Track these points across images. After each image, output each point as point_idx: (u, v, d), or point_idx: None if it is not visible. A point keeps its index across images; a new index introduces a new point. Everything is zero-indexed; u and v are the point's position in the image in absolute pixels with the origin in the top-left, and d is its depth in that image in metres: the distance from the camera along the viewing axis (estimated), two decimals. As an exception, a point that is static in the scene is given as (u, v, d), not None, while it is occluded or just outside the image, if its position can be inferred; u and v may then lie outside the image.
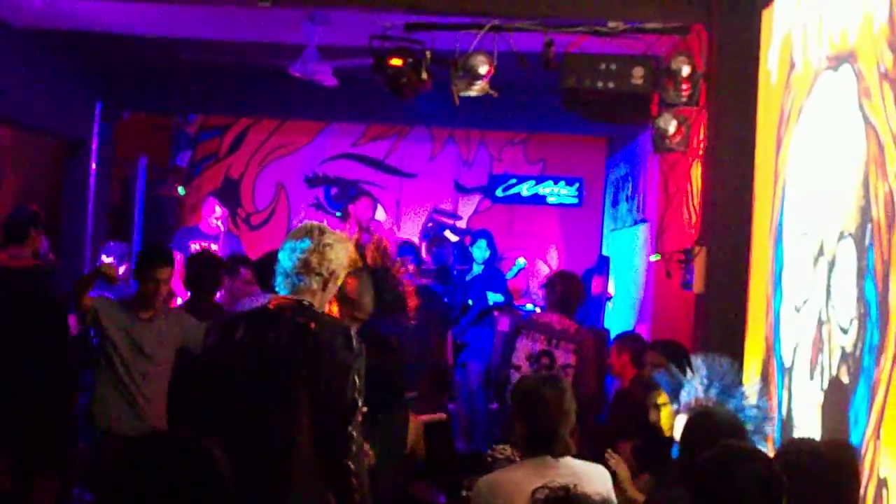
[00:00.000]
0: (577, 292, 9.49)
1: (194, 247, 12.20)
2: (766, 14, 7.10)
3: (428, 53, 7.82)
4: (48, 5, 9.59)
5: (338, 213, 13.43)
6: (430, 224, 15.51)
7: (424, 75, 7.84)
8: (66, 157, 13.27)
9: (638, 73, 7.49)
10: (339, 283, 5.41)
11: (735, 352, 6.75)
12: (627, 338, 9.43)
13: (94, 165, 13.22)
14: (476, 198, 15.86)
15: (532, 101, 12.29)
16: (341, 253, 5.33)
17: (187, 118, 15.23)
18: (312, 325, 5.08)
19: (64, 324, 8.59)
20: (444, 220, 15.56)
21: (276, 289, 5.32)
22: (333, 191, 15.74)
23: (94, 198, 13.24)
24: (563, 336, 9.10)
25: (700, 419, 5.32)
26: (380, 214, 14.32)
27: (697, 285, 7.41)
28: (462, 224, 15.49)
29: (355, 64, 9.56)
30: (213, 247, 12.24)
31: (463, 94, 7.78)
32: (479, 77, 7.67)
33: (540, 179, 15.49)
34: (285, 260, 5.25)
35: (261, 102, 13.59)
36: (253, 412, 5.07)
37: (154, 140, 15.06)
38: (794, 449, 4.94)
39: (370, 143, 15.75)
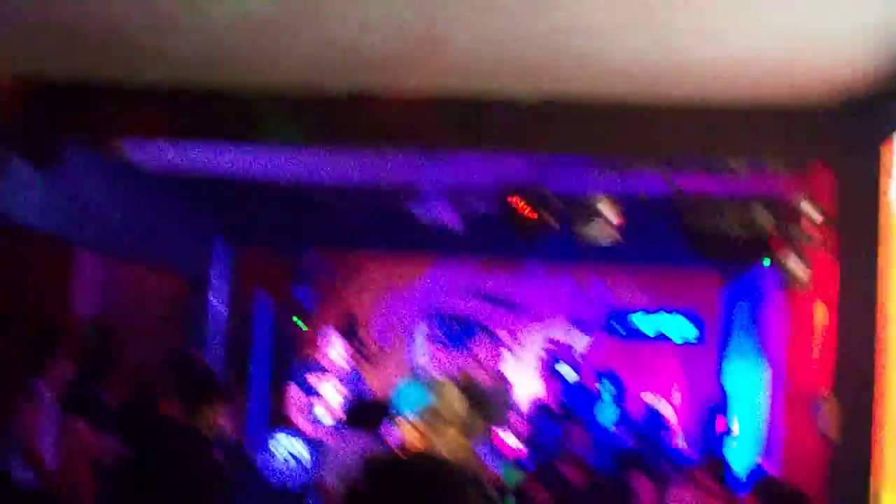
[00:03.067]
0: None
1: (313, 380, 12.30)
2: (884, 150, 7.08)
3: (553, 197, 7.88)
4: (179, 154, 9.84)
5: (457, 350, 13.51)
6: (546, 358, 15.48)
7: (550, 219, 7.90)
8: (190, 293, 13.50)
9: (759, 213, 7.50)
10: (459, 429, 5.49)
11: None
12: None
13: (214, 302, 13.43)
14: (593, 333, 15.82)
15: (649, 235, 12.30)
16: (460, 399, 5.46)
17: (306, 253, 15.43)
18: (442, 472, 5.10)
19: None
20: (561, 355, 15.52)
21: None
22: (451, 325, 15.80)
23: (213, 333, 13.43)
24: None
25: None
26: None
27: (832, 432, 7.32)
28: (579, 360, 15.43)
29: (478, 205, 9.65)
30: (334, 380, 12.33)
31: (589, 238, 7.82)
32: (606, 223, 7.71)
33: (657, 313, 15.44)
34: (409, 409, 5.35)
35: (379, 237, 13.75)
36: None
37: (274, 276, 15.27)
38: None
39: (487, 277, 15.82)
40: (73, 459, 9.81)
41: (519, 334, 15.63)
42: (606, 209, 7.70)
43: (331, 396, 11.82)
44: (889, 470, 6.94)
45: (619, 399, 13.69)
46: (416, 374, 5.33)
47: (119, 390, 11.32)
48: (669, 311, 15.45)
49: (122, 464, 8.17)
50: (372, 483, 5.25)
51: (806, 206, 7.40)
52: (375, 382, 13.68)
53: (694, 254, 9.12)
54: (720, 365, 15.13)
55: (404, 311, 15.97)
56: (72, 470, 9.78)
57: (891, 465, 6.90)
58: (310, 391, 12.52)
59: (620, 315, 15.59)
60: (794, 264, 7.58)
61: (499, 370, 13.74)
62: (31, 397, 9.57)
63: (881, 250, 7.05)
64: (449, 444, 5.37)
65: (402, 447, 5.42)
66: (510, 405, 13.19)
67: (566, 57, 6.64)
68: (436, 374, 5.50)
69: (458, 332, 15.66)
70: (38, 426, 9.63)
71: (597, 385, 13.78)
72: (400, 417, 5.47)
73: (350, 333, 14.30)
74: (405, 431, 5.43)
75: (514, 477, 11.00)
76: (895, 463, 6.79)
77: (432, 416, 5.36)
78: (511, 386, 13.72)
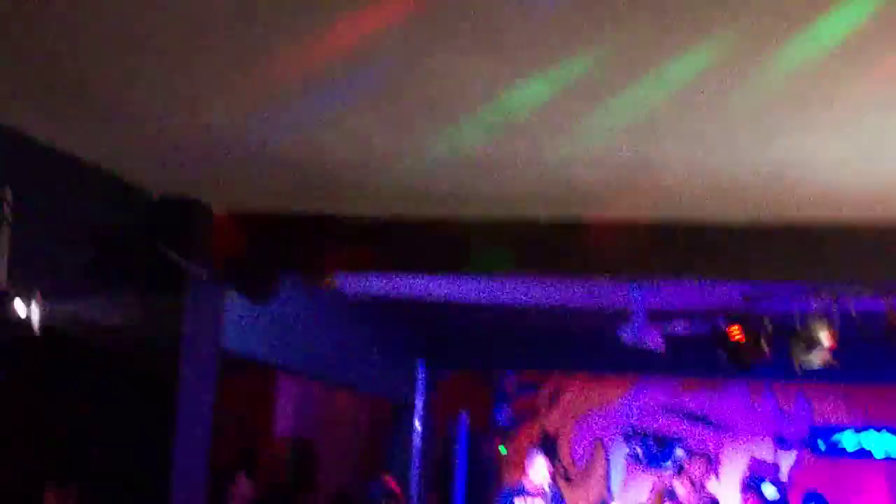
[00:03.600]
0: None
1: (520, 502, 12.26)
2: None
3: (769, 325, 7.80)
4: (383, 280, 9.98)
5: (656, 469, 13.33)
6: (748, 476, 15.18)
7: (765, 347, 7.82)
8: (392, 415, 13.61)
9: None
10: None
11: None
12: None
13: (418, 424, 13.51)
14: (796, 451, 15.48)
15: (852, 351, 12.05)
16: None
17: (506, 375, 15.47)
18: None
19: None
20: (763, 473, 15.21)
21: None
22: (651, 444, 15.65)
23: (418, 456, 13.50)
24: None
25: None
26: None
27: None
28: (783, 478, 15.10)
29: (683, 326, 9.58)
30: (539, 501, 12.28)
31: (804, 364, 7.70)
32: (821, 347, 7.60)
33: (864, 430, 15.06)
34: None
35: (579, 357, 13.74)
36: None
37: (474, 397, 15.32)
38: None
39: (687, 395, 15.65)
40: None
41: (721, 453, 15.35)
42: (824, 336, 7.56)
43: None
44: None
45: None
46: None
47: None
48: (875, 428, 15.04)
49: None
50: None
51: None
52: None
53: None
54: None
55: (604, 431, 15.85)
56: None
57: None
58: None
59: (824, 432, 15.23)
60: None
61: (706, 489, 13.55)
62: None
63: None
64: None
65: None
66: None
67: (779, 184, 6.60)
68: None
69: (658, 452, 15.49)
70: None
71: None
72: None
73: (550, 454, 14.22)
74: None
75: None
76: None
77: None
78: None
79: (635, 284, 9.43)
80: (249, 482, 10.39)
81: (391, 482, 9.74)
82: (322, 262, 8.17)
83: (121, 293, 6.95)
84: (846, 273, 7.63)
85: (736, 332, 7.87)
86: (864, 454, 15.05)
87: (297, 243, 8.03)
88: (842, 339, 7.94)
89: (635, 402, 15.77)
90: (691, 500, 13.19)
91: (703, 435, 15.50)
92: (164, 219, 7.50)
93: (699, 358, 11.87)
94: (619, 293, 9.91)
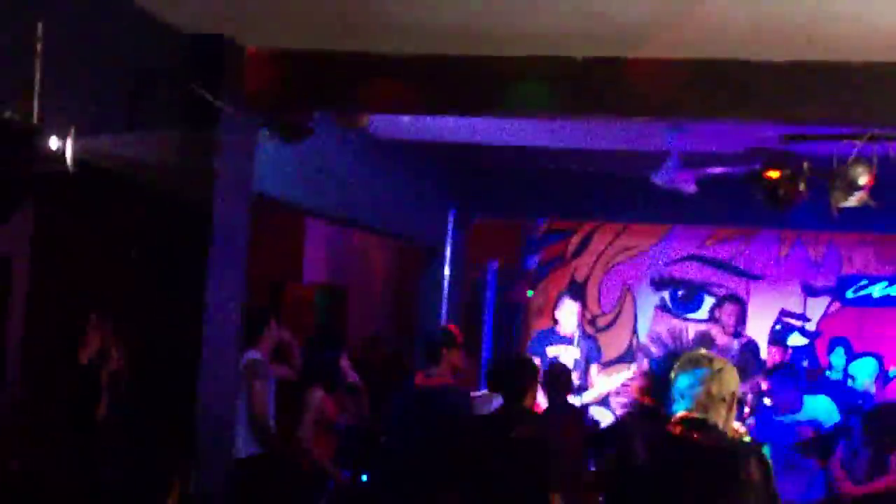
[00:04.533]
0: None
1: (552, 350, 12.30)
2: None
3: (806, 165, 7.73)
4: (415, 120, 9.88)
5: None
6: (777, 326, 15.21)
7: (802, 187, 7.75)
8: (423, 261, 13.63)
9: None
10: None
11: None
12: None
13: (447, 270, 13.53)
14: (825, 300, 15.50)
15: (885, 199, 11.97)
16: (734, 374, 5.47)
17: (536, 222, 15.45)
18: (724, 447, 5.15)
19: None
20: (793, 322, 15.24)
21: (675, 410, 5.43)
22: (680, 293, 15.68)
23: (447, 301, 13.54)
24: None
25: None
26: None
27: None
28: (811, 327, 15.13)
29: (721, 172, 9.51)
30: (571, 348, 12.33)
31: (842, 205, 7.64)
32: (858, 188, 7.53)
33: (893, 281, 15.07)
34: (684, 386, 5.39)
35: (609, 206, 13.69)
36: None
37: (503, 244, 15.33)
38: None
39: (717, 244, 15.64)
40: (310, 426, 9.97)
41: (750, 303, 15.34)
42: (863, 177, 7.49)
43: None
44: None
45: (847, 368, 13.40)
46: (691, 360, 5.28)
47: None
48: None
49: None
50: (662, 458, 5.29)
51: None
52: (606, 350, 13.66)
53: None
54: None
55: (632, 279, 15.87)
56: (309, 437, 9.94)
57: None
58: (545, 360, 12.52)
59: (853, 281, 15.23)
60: None
61: (743, 333, 13.56)
62: (258, 370, 9.69)
63: None
64: (721, 420, 5.37)
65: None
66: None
67: (820, 19, 6.49)
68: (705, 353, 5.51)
69: (687, 300, 15.54)
70: (268, 398, 9.80)
71: (829, 355, 13.51)
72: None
73: (578, 301, 14.27)
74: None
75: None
76: None
77: (707, 398, 5.39)
78: (758, 347, 13.53)
79: (672, 126, 9.33)
80: (283, 327, 10.43)
81: (455, 329, 9.75)
82: (356, 101, 8.08)
83: (154, 130, 6.91)
84: (887, 115, 7.52)
85: (774, 172, 7.78)
86: (892, 302, 15.05)
87: (331, 81, 7.94)
88: (877, 185, 7.85)
89: (665, 250, 15.76)
90: (729, 345, 13.20)
91: (732, 283, 15.50)
92: (195, 56, 7.45)
93: (732, 204, 11.81)
94: (655, 135, 9.82)
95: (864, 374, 12.49)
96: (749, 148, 8.04)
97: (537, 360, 11.99)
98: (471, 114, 8.64)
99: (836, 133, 7.71)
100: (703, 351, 5.71)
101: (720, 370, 5.46)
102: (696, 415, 5.34)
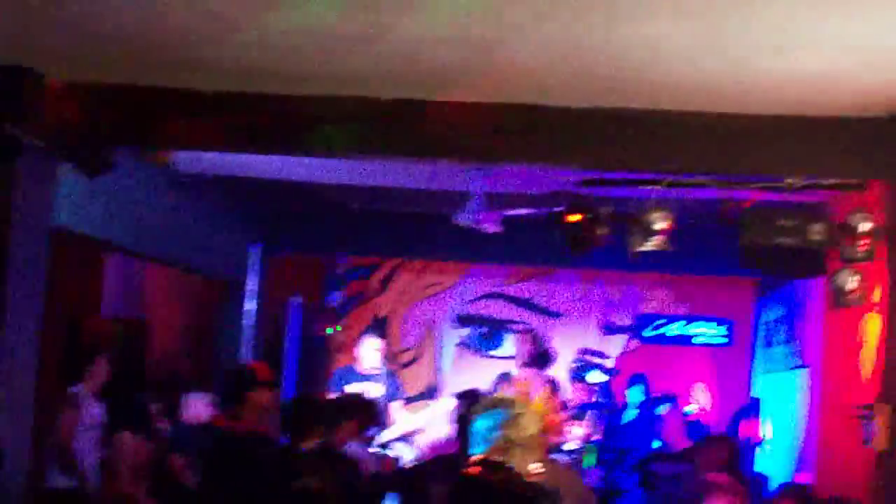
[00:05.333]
0: None
1: (353, 388, 12.28)
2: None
3: (605, 210, 7.88)
4: (218, 155, 9.80)
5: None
6: (576, 364, 15.42)
7: (602, 231, 7.90)
8: (223, 296, 13.51)
9: (817, 228, 7.45)
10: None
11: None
12: (791, 489, 9.39)
13: (250, 305, 13.44)
14: (623, 337, 15.81)
15: (681, 242, 12.28)
16: (533, 417, 5.52)
17: (339, 258, 15.43)
18: (518, 490, 5.18)
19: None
20: (592, 359, 15.48)
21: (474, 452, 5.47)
22: (482, 330, 15.82)
23: (250, 337, 13.43)
24: None
25: None
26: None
27: (879, 443, 7.29)
28: (610, 364, 15.39)
29: (523, 214, 9.63)
30: (373, 385, 12.35)
31: (639, 249, 7.81)
32: (656, 233, 7.70)
33: (688, 319, 15.45)
34: (483, 430, 5.44)
35: (412, 243, 13.74)
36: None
37: (306, 279, 15.28)
38: None
39: (519, 282, 15.83)
40: (117, 467, 9.83)
41: (550, 338, 15.54)
42: (660, 222, 7.66)
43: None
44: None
45: (645, 405, 13.70)
46: (491, 402, 5.37)
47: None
48: (699, 318, 15.44)
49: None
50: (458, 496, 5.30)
51: (864, 223, 7.35)
52: (408, 387, 13.71)
53: (722, 258, 9.10)
54: (751, 372, 15.11)
55: (435, 316, 15.96)
56: (116, 477, 9.80)
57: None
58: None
59: (651, 320, 15.58)
60: (846, 278, 7.54)
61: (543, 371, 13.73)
62: (71, 402, 9.60)
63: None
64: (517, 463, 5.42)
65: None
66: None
67: (623, 69, 6.65)
68: (507, 396, 5.60)
69: (488, 338, 15.69)
70: (77, 430, 9.67)
71: (625, 391, 13.78)
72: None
73: (381, 338, 14.27)
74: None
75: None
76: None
77: (505, 442, 5.44)
78: (558, 385, 13.70)
79: (475, 167, 9.42)
80: (107, 365, 10.28)
81: (262, 367, 9.61)
82: (158, 137, 7.99)
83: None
84: (684, 162, 7.73)
85: (574, 215, 7.91)
86: (686, 341, 15.43)
87: (134, 116, 7.84)
88: (674, 229, 8.05)
89: (467, 288, 15.89)
90: (531, 380, 13.33)
91: (533, 320, 15.69)
92: (-5, 87, 7.28)
93: (533, 245, 11.98)
94: (459, 176, 9.91)
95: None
96: (551, 191, 8.16)
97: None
98: (273, 152, 8.59)
99: (635, 178, 7.87)
100: (503, 394, 5.76)
101: (519, 415, 5.50)
102: (494, 457, 5.38)
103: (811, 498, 9.34)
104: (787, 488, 9.48)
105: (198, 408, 10.76)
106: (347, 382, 12.65)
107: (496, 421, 5.46)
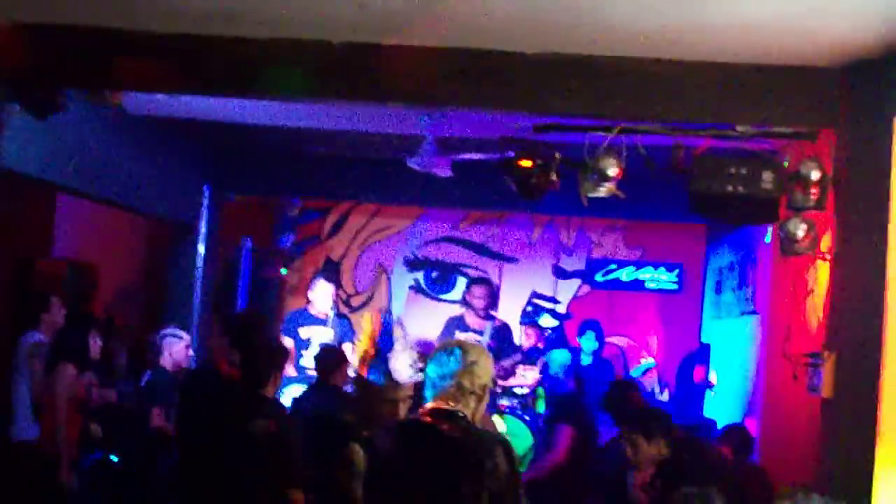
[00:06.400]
0: None
1: (305, 331, 12.29)
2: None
3: (558, 155, 7.88)
4: (169, 97, 9.73)
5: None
6: (529, 308, 15.46)
7: (553, 177, 7.90)
8: (174, 238, 13.44)
9: (767, 177, 7.46)
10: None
11: (866, 458, 6.75)
12: (733, 431, 9.52)
13: (201, 248, 13.37)
14: (575, 282, 15.85)
15: (633, 188, 12.30)
16: (488, 366, 5.49)
17: (291, 201, 15.37)
18: (471, 438, 5.19)
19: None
20: (543, 304, 15.51)
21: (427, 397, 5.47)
22: (434, 274, 15.82)
23: (201, 280, 13.38)
24: None
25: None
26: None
27: (826, 390, 7.34)
28: (561, 309, 15.42)
29: (475, 158, 9.63)
30: (325, 329, 12.35)
31: (591, 195, 7.81)
32: (608, 179, 7.70)
33: (639, 265, 15.50)
34: (435, 376, 5.42)
35: (365, 186, 13.69)
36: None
37: (258, 222, 15.22)
38: None
39: (471, 226, 15.82)
40: (55, 400, 9.80)
41: (502, 285, 15.59)
42: (611, 169, 7.66)
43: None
44: (882, 425, 7.00)
45: (598, 350, 13.76)
46: (444, 349, 5.28)
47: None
48: (650, 264, 15.49)
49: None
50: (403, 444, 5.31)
51: (815, 172, 7.37)
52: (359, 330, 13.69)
53: (674, 203, 9.11)
54: (701, 318, 15.20)
55: (387, 259, 15.95)
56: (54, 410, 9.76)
57: (885, 420, 6.96)
58: (298, 341, 12.52)
59: (602, 265, 15.61)
60: (800, 229, 7.54)
61: (494, 316, 13.79)
62: (39, 352, 9.57)
63: (890, 214, 7.07)
64: (470, 411, 5.43)
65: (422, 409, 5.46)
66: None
67: (574, 14, 6.65)
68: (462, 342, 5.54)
69: (440, 281, 15.70)
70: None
71: (579, 338, 13.83)
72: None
73: (333, 281, 14.25)
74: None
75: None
76: (889, 418, 6.86)
77: (458, 391, 5.43)
78: (510, 329, 13.78)
79: (427, 112, 9.40)
80: (62, 308, 10.22)
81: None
82: (107, 78, 7.92)
83: None
84: (636, 108, 7.73)
85: (526, 161, 7.90)
86: (639, 286, 15.47)
87: (83, 57, 7.76)
88: (626, 176, 8.06)
89: (419, 232, 15.88)
90: (482, 328, 13.43)
91: (485, 265, 15.72)
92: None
93: (485, 190, 11.94)
94: (411, 121, 9.89)
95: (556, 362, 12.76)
96: (503, 136, 8.14)
97: (290, 341, 12.01)
98: (225, 94, 8.56)
99: (587, 125, 7.86)
100: (457, 339, 5.73)
101: (473, 363, 5.47)
102: (446, 405, 5.38)
103: (749, 440, 9.47)
104: (726, 433, 9.57)
105: (178, 352, 10.64)
106: (300, 325, 12.65)
107: (450, 369, 5.43)
